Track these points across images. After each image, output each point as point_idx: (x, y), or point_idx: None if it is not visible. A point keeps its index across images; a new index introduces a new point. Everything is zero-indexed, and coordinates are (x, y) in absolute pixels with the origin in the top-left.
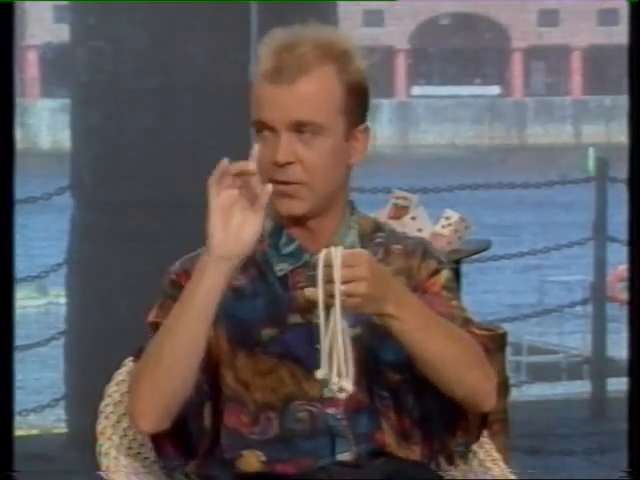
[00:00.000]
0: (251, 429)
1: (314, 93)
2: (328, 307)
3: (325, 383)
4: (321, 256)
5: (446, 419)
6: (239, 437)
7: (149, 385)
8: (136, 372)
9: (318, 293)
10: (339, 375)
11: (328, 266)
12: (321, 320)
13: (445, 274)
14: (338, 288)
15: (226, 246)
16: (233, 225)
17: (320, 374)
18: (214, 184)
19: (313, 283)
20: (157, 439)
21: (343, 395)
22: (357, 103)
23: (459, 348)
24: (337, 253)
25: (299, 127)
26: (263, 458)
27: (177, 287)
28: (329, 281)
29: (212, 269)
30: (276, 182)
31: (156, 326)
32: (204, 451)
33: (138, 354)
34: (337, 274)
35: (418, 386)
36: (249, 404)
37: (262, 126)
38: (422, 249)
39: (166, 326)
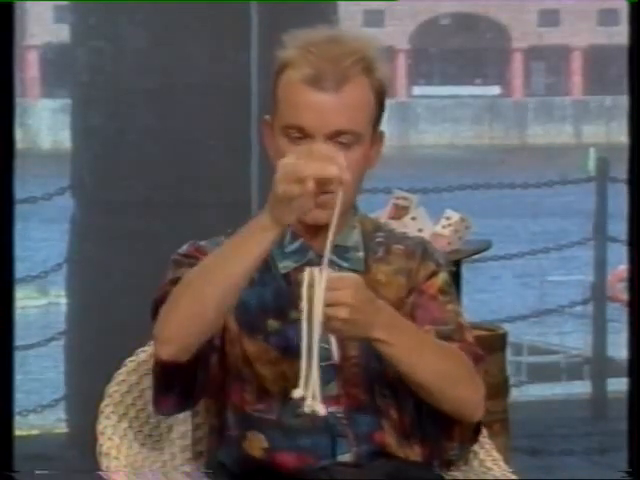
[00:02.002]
0: (254, 406)
1: (355, 103)
2: (311, 323)
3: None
4: (305, 275)
5: (443, 422)
6: (243, 414)
7: (182, 316)
8: (172, 300)
9: (302, 312)
10: (313, 397)
11: (312, 286)
12: (303, 340)
13: (442, 277)
14: (318, 310)
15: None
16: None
17: (297, 394)
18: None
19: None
20: (159, 391)
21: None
22: (380, 109)
23: (449, 366)
24: (322, 276)
25: (337, 136)
26: (265, 444)
27: (189, 258)
28: (311, 301)
29: (270, 233)
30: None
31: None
32: (210, 434)
33: (168, 286)
34: (319, 296)
35: None
36: (253, 382)
37: (297, 130)
38: (422, 250)
39: (209, 266)
